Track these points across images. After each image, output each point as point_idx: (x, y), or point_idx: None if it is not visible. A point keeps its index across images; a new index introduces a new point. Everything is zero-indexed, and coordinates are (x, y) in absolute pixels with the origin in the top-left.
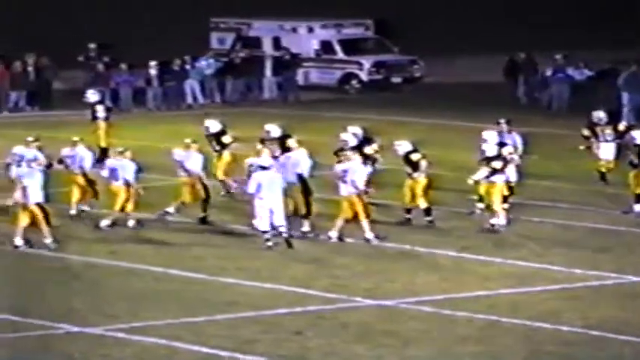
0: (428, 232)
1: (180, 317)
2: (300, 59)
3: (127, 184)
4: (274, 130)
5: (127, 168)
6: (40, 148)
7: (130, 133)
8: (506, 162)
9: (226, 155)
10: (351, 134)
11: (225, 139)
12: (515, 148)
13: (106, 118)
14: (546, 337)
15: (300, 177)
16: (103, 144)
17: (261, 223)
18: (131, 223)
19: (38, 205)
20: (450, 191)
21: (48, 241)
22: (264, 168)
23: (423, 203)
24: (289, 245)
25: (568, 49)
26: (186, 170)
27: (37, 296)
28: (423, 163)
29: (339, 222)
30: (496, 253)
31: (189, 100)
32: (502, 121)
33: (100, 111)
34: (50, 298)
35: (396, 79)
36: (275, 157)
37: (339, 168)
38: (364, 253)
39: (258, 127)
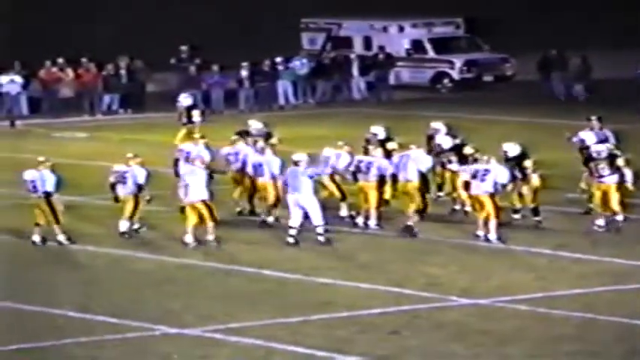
0: (524, 230)
1: (276, 318)
2: (394, 59)
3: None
4: (380, 131)
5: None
6: (207, 146)
7: (223, 135)
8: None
9: None
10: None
11: (390, 145)
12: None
13: (201, 122)
14: None
15: (420, 174)
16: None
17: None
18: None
19: (203, 202)
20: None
21: (210, 237)
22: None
23: (531, 203)
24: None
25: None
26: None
27: (133, 298)
28: (529, 165)
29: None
30: (592, 251)
31: (282, 100)
32: (593, 118)
33: (196, 115)
34: (146, 299)
35: (488, 78)
36: (388, 157)
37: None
38: (458, 251)
39: (351, 127)
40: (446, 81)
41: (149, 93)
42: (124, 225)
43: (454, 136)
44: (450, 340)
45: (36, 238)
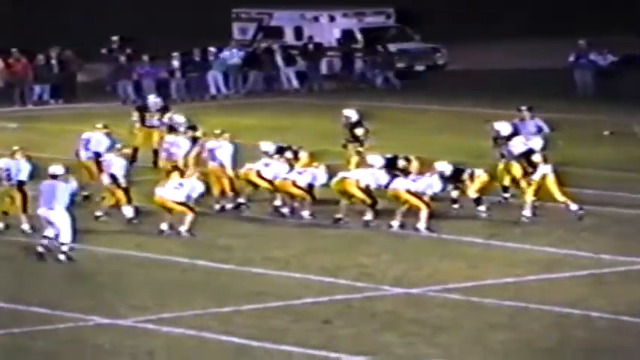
0: (455, 219)
1: (209, 308)
2: (324, 48)
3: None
4: (353, 114)
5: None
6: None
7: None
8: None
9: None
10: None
11: (359, 131)
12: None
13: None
14: (576, 323)
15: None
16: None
17: None
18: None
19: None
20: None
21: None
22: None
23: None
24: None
25: (592, 36)
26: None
27: (65, 288)
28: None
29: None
30: (523, 240)
31: (213, 90)
32: (524, 108)
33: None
34: (78, 290)
35: (419, 67)
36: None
37: None
38: (390, 241)
39: (281, 117)
40: (377, 71)
41: (80, 83)
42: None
43: (361, 124)
44: (383, 329)
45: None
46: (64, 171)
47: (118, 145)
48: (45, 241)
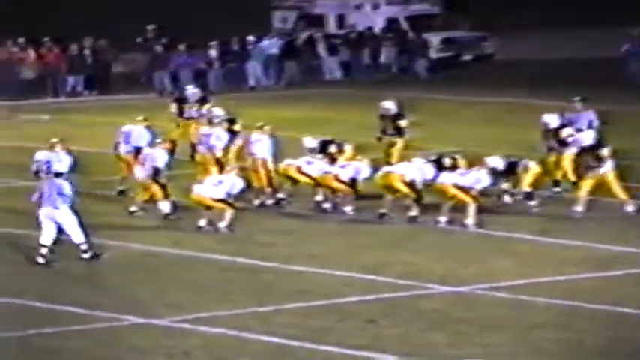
0: (504, 215)
1: (248, 307)
2: (367, 38)
3: None
4: (392, 106)
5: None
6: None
7: None
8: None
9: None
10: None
11: (403, 123)
12: (591, 126)
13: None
14: (629, 322)
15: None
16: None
17: None
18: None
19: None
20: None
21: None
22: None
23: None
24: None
25: None
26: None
27: (100, 287)
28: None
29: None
30: (575, 237)
31: (252, 82)
32: (576, 99)
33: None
34: (113, 288)
35: (466, 57)
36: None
37: None
38: (435, 237)
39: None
40: (422, 61)
41: (115, 74)
42: None
43: (403, 116)
44: (429, 328)
45: None
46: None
47: (159, 140)
48: (44, 251)
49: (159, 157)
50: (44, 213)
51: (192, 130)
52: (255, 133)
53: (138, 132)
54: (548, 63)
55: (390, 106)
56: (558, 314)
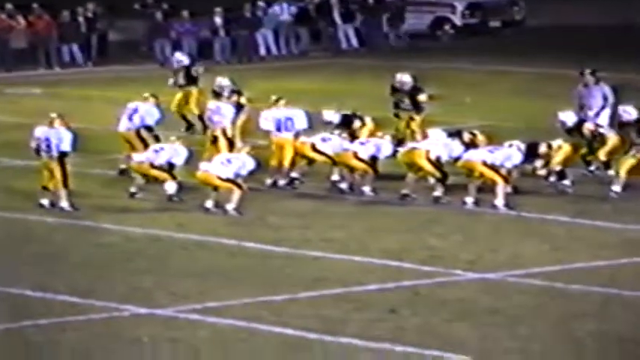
0: (537, 196)
1: (259, 296)
2: (386, 3)
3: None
4: (408, 79)
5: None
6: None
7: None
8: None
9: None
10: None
11: (422, 97)
12: (605, 104)
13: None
14: None
15: None
16: (197, 111)
17: None
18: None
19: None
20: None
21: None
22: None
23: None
24: None
25: None
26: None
27: (98, 275)
28: None
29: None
30: (614, 218)
31: (263, 51)
32: (587, 71)
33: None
34: (112, 276)
35: (494, 23)
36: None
37: None
38: (462, 220)
39: (338, 80)
40: (447, 27)
41: (112, 43)
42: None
43: (421, 90)
44: (454, 319)
45: (44, 202)
46: None
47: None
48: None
49: (180, 153)
50: None
51: (194, 100)
52: (275, 107)
53: (146, 109)
54: (583, 29)
55: (406, 79)
56: (596, 303)
